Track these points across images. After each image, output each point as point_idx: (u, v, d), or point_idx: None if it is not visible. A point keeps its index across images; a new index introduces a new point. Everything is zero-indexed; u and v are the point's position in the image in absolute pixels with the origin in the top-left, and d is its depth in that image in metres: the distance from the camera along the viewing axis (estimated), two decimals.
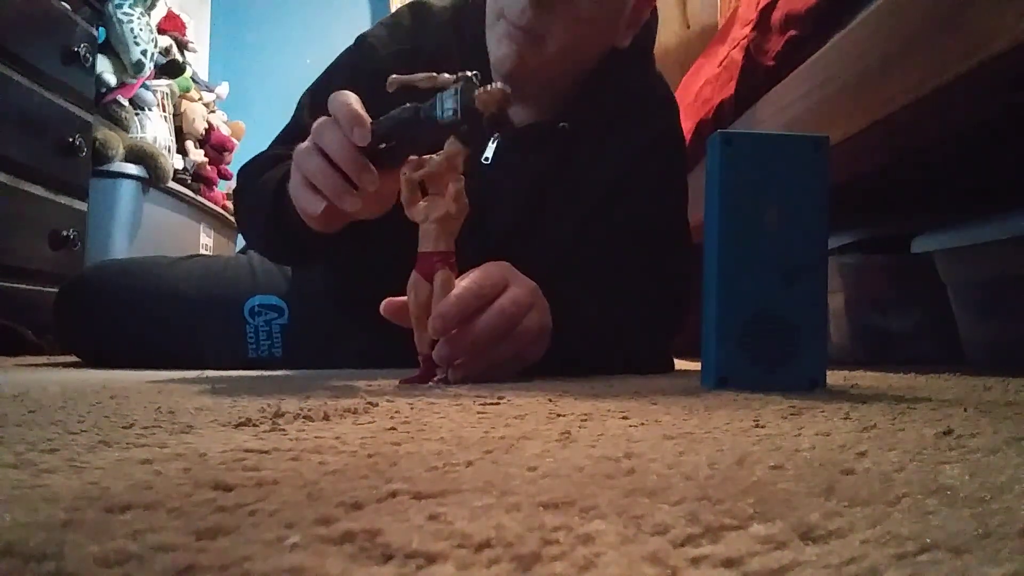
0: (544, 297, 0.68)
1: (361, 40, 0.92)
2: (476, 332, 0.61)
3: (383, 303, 0.66)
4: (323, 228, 0.66)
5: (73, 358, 1.08)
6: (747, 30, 1.21)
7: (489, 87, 0.57)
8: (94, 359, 1.00)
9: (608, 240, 0.85)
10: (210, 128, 2.32)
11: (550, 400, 0.48)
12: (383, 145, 0.60)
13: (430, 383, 0.62)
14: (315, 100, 0.91)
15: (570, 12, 0.77)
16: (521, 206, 0.85)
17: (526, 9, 0.75)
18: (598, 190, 0.86)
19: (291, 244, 0.76)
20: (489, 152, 0.84)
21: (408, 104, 0.60)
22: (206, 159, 2.28)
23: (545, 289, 0.68)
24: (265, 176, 0.79)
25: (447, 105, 0.57)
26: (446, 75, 0.59)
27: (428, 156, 0.62)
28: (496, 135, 0.84)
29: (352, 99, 0.60)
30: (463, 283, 0.62)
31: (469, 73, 0.58)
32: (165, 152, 1.91)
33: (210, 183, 2.33)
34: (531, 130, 0.86)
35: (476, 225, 0.68)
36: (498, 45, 0.79)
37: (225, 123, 2.49)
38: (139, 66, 1.81)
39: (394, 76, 0.61)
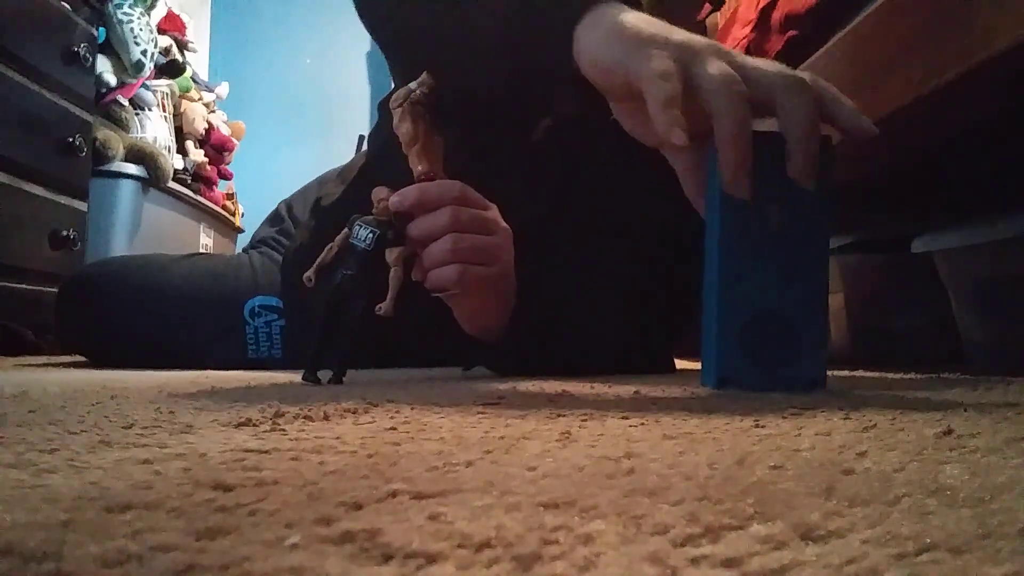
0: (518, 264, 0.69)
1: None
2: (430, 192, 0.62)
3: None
4: None
5: (73, 358, 1.08)
6: (747, 30, 1.21)
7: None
8: (94, 358, 1.00)
9: (629, 237, 0.85)
10: (210, 128, 2.32)
11: (550, 400, 0.48)
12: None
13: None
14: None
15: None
16: (559, 192, 0.85)
17: None
18: (630, 186, 0.86)
19: None
20: (537, 135, 0.84)
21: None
22: (206, 159, 2.28)
23: (536, 272, 0.69)
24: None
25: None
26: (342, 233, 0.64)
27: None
28: (547, 120, 0.84)
29: None
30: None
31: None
32: (165, 152, 1.91)
33: (210, 183, 2.33)
34: (580, 120, 0.85)
35: (509, 207, 0.69)
36: None
37: (225, 123, 2.49)
38: (139, 66, 1.81)
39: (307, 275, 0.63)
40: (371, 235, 0.62)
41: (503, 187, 0.69)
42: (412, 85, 0.64)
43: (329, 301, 0.63)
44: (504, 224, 0.68)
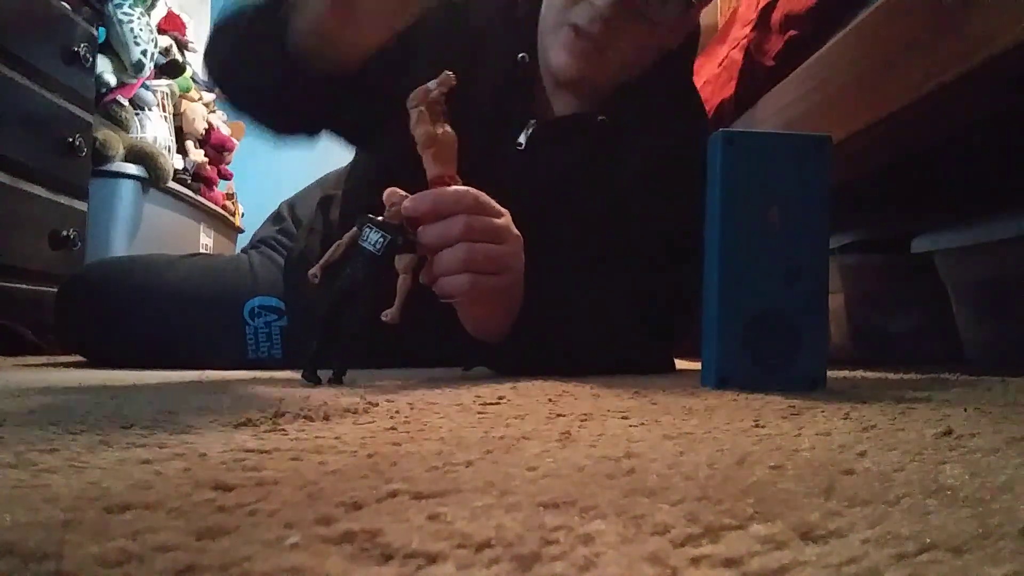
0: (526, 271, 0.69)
1: None
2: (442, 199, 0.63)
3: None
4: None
5: (73, 358, 1.08)
6: (747, 30, 1.21)
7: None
8: (94, 358, 1.00)
9: (625, 238, 0.85)
10: (210, 128, 2.32)
11: (550, 400, 0.48)
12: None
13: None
14: None
15: (641, 31, 0.78)
16: (549, 195, 0.85)
17: (597, 21, 0.76)
18: (624, 186, 0.86)
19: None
20: (523, 138, 0.84)
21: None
22: (206, 159, 2.28)
23: (537, 273, 0.69)
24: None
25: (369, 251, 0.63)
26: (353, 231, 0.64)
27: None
28: (532, 122, 0.84)
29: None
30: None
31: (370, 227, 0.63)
32: (165, 152, 1.91)
33: (210, 183, 2.33)
34: (569, 121, 0.85)
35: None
36: (558, 53, 0.80)
37: (225, 123, 2.48)
38: (139, 66, 1.81)
39: (311, 272, 0.63)
40: (381, 239, 0.61)
41: (496, 190, 0.68)
42: (431, 85, 0.63)
43: (332, 301, 0.62)
44: (516, 232, 0.68)
